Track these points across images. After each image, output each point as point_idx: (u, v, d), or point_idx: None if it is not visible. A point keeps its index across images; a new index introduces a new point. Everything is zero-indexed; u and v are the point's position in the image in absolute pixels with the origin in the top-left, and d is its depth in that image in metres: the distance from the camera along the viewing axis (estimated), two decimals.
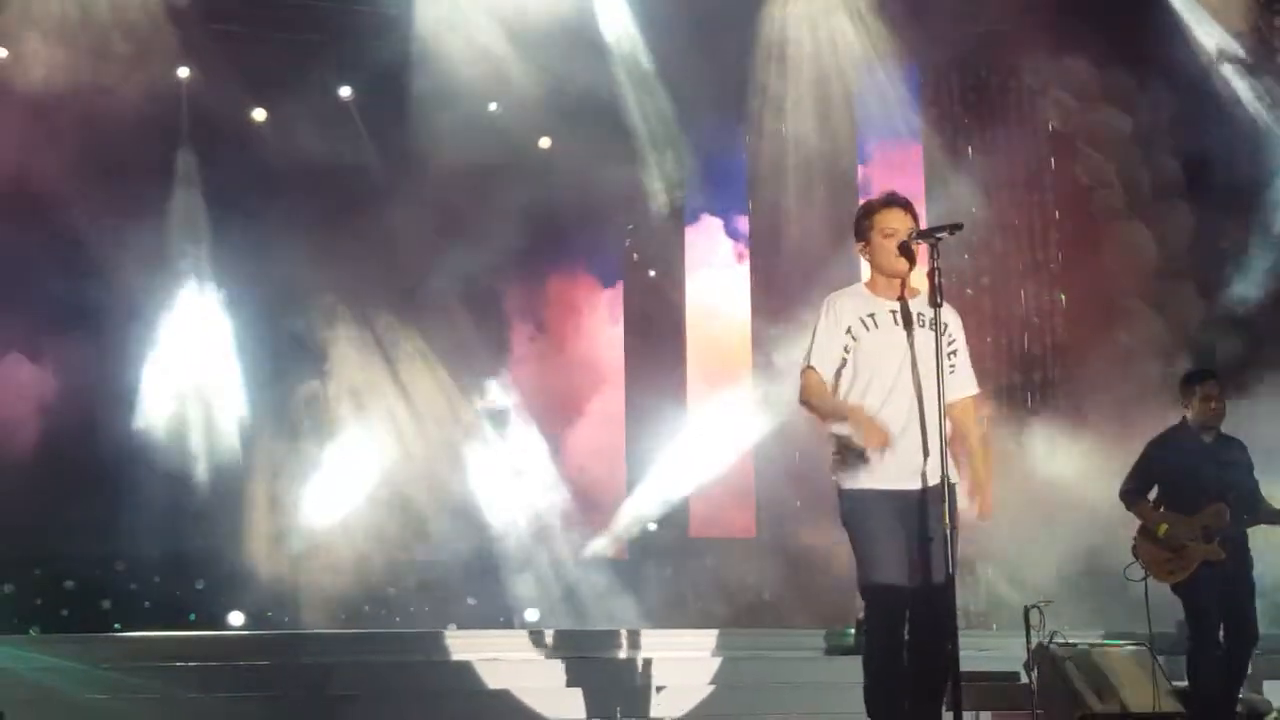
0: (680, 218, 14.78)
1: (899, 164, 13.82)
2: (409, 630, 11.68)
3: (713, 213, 14.90)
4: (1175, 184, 13.71)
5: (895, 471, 5.92)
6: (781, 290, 13.14)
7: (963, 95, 13.96)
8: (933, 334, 5.91)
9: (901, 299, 6.06)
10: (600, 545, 13.75)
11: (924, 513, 5.81)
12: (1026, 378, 13.83)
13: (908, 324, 6.00)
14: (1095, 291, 13.45)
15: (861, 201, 6.39)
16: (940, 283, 5.84)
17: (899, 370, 5.97)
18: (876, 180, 13.73)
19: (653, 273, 15.07)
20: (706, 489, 13.71)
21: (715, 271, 14.87)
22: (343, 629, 11.88)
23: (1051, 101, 13.81)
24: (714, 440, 13.41)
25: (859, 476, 5.98)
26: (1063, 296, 13.77)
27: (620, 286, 15.26)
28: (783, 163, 13.66)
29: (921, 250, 6.01)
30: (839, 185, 13.44)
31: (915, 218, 6.12)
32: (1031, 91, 13.90)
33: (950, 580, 5.72)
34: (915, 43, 13.41)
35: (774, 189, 13.75)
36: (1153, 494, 8.99)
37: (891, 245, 6.01)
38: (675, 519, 14.01)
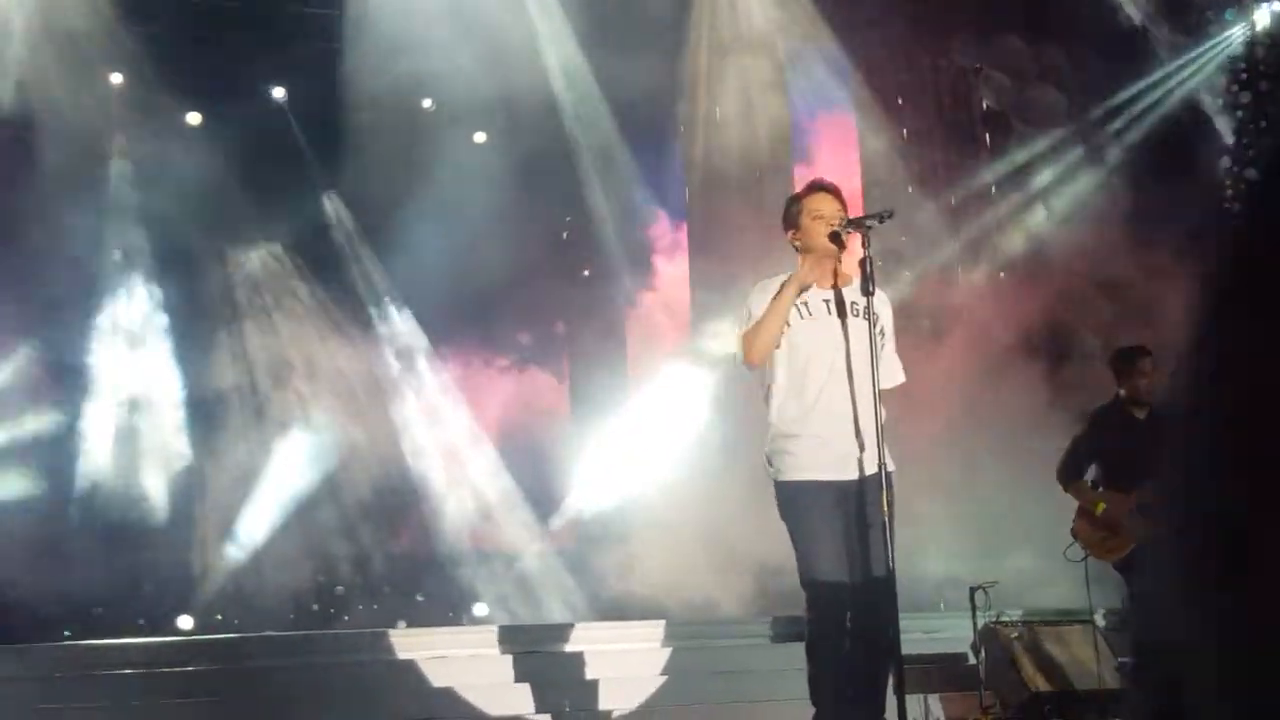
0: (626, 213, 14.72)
1: (836, 146, 13.82)
2: (354, 630, 11.59)
3: (651, 203, 14.79)
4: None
5: (832, 462, 5.94)
6: (720, 282, 13.13)
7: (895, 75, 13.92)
8: (866, 322, 5.93)
9: (835, 287, 6.07)
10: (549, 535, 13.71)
11: (862, 501, 5.83)
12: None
13: (841, 312, 6.03)
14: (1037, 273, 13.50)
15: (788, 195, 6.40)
16: (872, 271, 5.86)
17: (833, 359, 5.99)
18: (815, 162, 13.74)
19: (586, 272, 14.99)
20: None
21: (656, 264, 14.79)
22: (290, 630, 11.79)
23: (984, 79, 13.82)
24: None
25: (795, 468, 5.99)
26: (1002, 275, 13.79)
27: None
28: (719, 155, 13.60)
29: (854, 238, 6.02)
30: (775, 172, 13.40)
31: (843, 203, 6.17)
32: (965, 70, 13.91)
33: (890, 570, 5.75)
34: (846, 23, 13.41)
35: (710, 179, 13.70)
36: (1093, 473, 9.07)
37: (821, 226, 6.03)
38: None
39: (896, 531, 5.88)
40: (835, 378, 5.95)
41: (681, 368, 13.40)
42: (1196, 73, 13.90)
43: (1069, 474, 9.04)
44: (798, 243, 6.17)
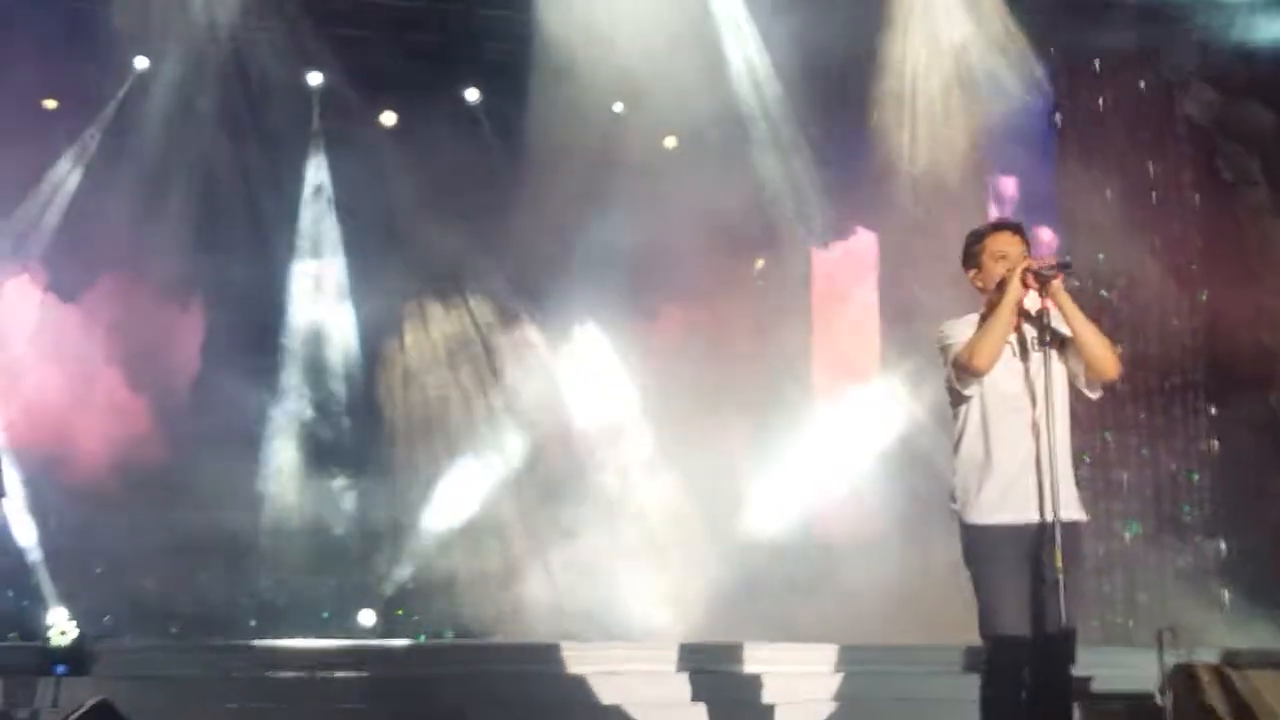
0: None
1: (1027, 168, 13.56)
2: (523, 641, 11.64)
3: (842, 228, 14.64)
4: None
5: (1017, 504, 5.77)
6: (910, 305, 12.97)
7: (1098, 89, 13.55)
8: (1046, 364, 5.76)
9: (1018, 329, 5.89)
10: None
11: (1044, 552, 5.64)
12: (1165, 381, 13.47)
13: (1024, 354, 5.85)
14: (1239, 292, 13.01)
15: (970, 230, 6.21)
16: (1049, 324, 5.76)
17: (1020, 400, 5.82)
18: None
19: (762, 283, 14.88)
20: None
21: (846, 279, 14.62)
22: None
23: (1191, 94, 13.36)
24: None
25: (981, 510, 5.83)
26: (1204, 297, 13.33)
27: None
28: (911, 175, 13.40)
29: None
30: (970, 195, 13.17)
31: (1027, 243, 5.99)
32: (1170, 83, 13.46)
33: (1070, 629, 5.58)
34: (1045, 34, 13.11)
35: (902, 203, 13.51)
36: None
37: (1003, 268, 5.85)
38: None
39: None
40: (1020, 421, 5.78)
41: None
42: None
43: None
44: (979, 283, 6.00)
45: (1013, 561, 5.75)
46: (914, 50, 13.42)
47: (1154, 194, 13.35)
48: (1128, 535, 13.19)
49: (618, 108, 14.25)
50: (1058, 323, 5.84)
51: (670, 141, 14.55)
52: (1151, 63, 13.46)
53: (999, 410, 5.85)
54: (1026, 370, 5.84)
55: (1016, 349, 5.88)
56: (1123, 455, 13.40)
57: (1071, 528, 5.73)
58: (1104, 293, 13.12)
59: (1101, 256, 12.90)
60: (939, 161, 13.31)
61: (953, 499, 6.00)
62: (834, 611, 11.70)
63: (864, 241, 14.47)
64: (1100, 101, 13.45)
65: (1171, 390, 13.40)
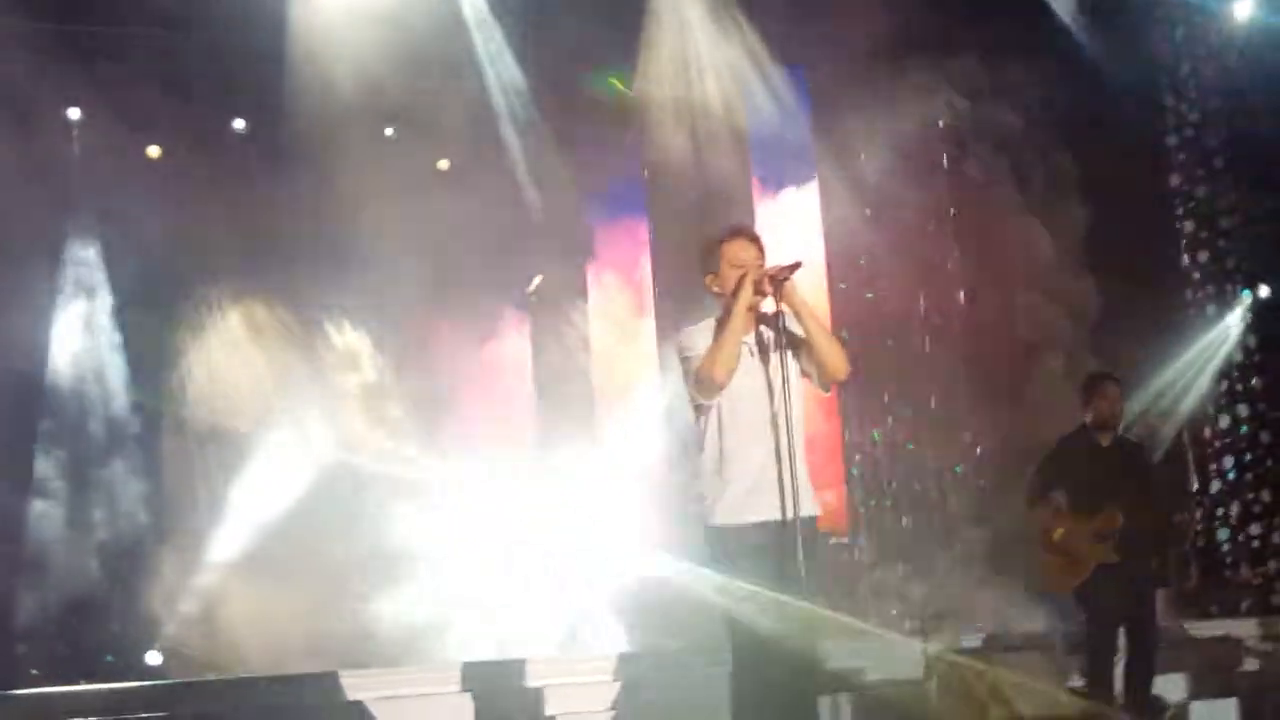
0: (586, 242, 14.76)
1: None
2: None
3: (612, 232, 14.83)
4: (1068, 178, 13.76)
5: (758, 504, 5.92)
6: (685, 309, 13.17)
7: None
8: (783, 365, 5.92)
9: (756, 331, 6.05)
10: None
11: (785, 549, 5.79)
12: (930, 378, 13.91)
13: (763, 355, 6.01)
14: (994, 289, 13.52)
15: (705, 238, 6.36)
16: (785, 325, 5.89)
17: (758, 403, 5.97)
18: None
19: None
20: None
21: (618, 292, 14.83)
22: None
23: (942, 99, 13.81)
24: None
25: (723, 511, 5.98)
26: (961, 295, 13.81)
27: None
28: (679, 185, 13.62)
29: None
30: (737, 203, 13.42)
31: (762, 250, 6.12)
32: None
33: None
34: (799, 47, 13.42)
35: (673, 212, 13.72)
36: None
37: (738, 275, 6.00)
38: None
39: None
40: (760, 421, 5.92)
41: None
42: None
43: (1033, 500, 9.04)
44: (716, 287, 6.13)
45: (755, 560, 5.89)
46: (674, 63, 13.65)
47: (910, 195, 13.76)
48: (899, 529, 13.61)
49: (389, 132, 14.25)
50: (793, 324, 5.98)
51: (443, 164, 14.60)
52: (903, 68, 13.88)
53: (737, 411, 5.98)
54: (765, 371, 5.98)
55: (755, 350, 6.02)
56: (891, 452, 13.82)
57: (810, 523, 5.89)
58: (869, 294, 13.52)
59: (863, 260, 13.29)
60: (706, 165, 13.52)
61: (697, 502, 6.13)
62: None
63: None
64: (854, 106, 13.77)
65: (935, 385, 13.85)
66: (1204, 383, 13.57)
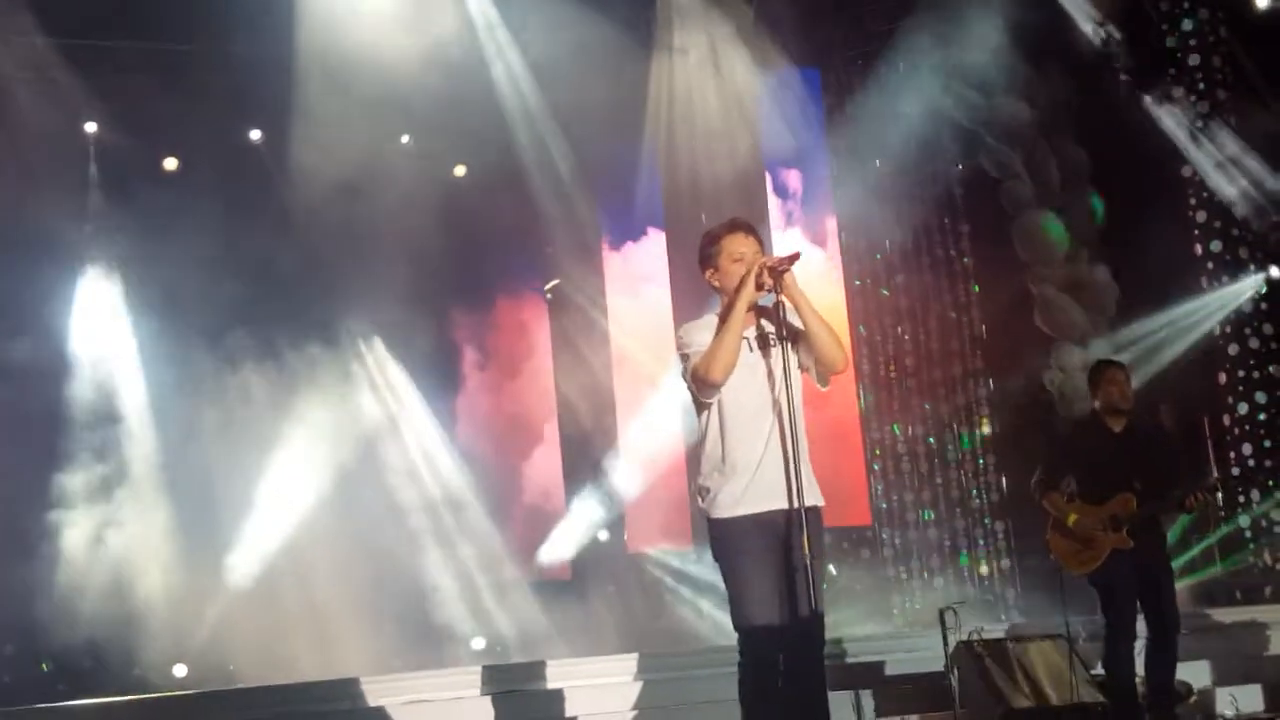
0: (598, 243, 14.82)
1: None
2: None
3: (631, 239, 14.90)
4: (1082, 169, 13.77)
5: (760, 495, 5.93)
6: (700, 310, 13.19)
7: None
8: (784, 357, 5.92)
9: (756, 324, 6.06)
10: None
11: (791, 541, 5.80)
12: (947, 372, 13.93)
13: (764, 348, 6.01)
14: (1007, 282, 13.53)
15: (705, 231, 6.37)
16: (785, 317, 5.89)
17: (759, 395, 5.98)
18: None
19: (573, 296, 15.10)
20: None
21: (636, 294, 14.88)
22: None
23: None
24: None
25: (726, 503, 5.98)
26: (976, 288, 13.83)
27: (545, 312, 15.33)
28: (695, 187, 13.65)
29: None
30: (751, 199, 13.46)
31: (761, 243, 6.14)
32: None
33: (820, 612, 5.76)
34: (811, 49, 13.45)
35: (688, 211, 13.75)
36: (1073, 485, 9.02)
37: (741, 269, 6.02)
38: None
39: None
40: (762, 413, 5.93)
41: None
42: None
43: (1044, 486, 8.99)
44: (716, 282, 6.15)
45: (760, 552, 5.89)
46: (683, 70, 13.71)
47: (925, 193, 13.79)
48: (921, 522, 13.62)
49: (404, 139, 14.33)
50: (793, 316, 5.97)
51: (460, 170, 14.69)
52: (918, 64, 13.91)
53: (739, 404, 5.98)
54: (766, 363, 5.98)
55: (755, 344, 6.01)
56: (911, 446, 13.83)
57: (814, 513, 5.88)
58: (884, 290, 13.54)
59: (879, 256, 13.31)
60: (718, 165, 13.56)
61: (700, 496, 6.13)
62: None
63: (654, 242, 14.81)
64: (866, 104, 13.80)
65: (953, 380, 13.87)
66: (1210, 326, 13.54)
